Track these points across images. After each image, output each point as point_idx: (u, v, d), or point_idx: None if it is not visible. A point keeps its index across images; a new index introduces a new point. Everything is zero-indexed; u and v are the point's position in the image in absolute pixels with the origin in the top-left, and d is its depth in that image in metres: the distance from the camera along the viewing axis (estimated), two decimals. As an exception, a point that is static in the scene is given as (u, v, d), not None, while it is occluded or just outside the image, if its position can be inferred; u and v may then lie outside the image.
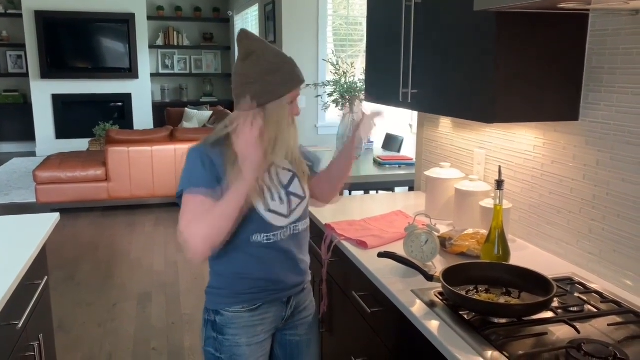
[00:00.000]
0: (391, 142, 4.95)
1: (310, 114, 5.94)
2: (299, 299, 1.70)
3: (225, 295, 1.59)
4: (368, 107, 1.65)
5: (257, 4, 7.22)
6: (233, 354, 1.59)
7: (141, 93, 9.27)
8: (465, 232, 1.85)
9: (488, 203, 1.93)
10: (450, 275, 1.47)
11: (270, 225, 1.55)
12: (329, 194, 1.83)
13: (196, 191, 1.47)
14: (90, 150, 7.04)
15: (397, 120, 5.85)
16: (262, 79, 1.48)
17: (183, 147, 5.75)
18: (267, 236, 1.56)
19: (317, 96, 5.23)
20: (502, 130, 2.07)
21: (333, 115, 5.66)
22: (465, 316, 1.38)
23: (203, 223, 1.42)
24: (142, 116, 9.31)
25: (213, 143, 1.53)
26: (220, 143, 1.53)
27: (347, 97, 4.14)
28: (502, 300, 1.44)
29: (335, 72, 4.24)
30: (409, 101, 2.05)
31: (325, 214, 2.28)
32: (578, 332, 1.30)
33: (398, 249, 1.77)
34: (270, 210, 1.55)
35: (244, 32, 1.54)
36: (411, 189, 3.64)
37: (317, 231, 2.18)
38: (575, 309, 1.43)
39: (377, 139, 5.12)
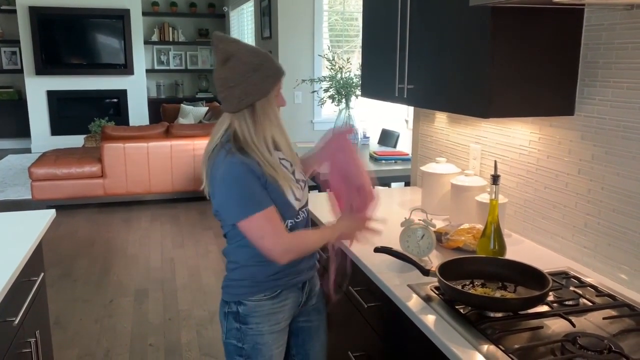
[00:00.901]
0: (387, 137, 4.96)
1: (306, 109, 5.94)
2: (312, 283, 1.77)
3: (247, 286, 1.63)
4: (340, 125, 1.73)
5: (252, 1, 7.20)
6: (256, 342, 1.63)
7: (137, 89, 9.25)
8: (461, 227, 1.86)
9: (484, 198, 1.94)
10: (447, 269, 1.48)
11: (295, 211, 1.63)
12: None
13: (268, 210, 1.53)
14: (86, 147, 7.02)
15: (392, 116, 5.85)
16: (246, 80, 1.51)
17: (179, 143, 5.75)
18: (292, 221, 1.62)
19: (313, 92, 5.22)
20: (498, 125, 2.07)
21: (329, 111, 5.66)
22: (462, 310, 1.38)
23: (301, 246, 1.60)
24: (138, 112, 9.29)
25: (241, 150, 1.53)
26: (244, 150, 1.54)
27: (343, 92, 4.14)
28: (498, 294, 1.45)
29: (331, 68, 4.23)
30: (405, 96, 2.05)
31: (322, 209, 2.28)
32: (573, 325, 1.31)
33: (393, 242, 1.77)
34: (297, 199, 1.63)
35: (217, 37, 1.56)
36: (407, 184, 3.65)
37: (314, 226, 2.17)
38: (570, 302, 1.44)
39: (373, 134, 5.13)
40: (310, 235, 1.66)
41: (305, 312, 1.78)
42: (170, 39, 9.72)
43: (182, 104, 8.72)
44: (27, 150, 9.12)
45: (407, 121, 5.66)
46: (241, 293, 1.64)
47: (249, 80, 1.51)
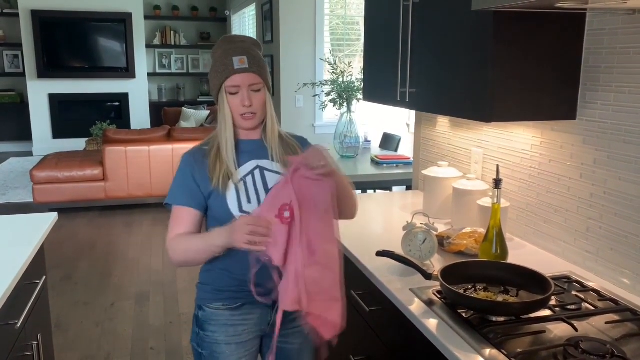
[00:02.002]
0: (388, 141, 4.96)
1: (307, 113, 5.95)
2: None
3: (209, 292, 1.62)
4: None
5: (254, 4, 7.21)
6: (213, 350, 1.62)
7: (138, 92, 9.26)
8: (463, 231, 1.86)
9: (486, 202, 1.94)
10: (449, 273, 1.48)
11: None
12: (343, 213, 1.61)
13: (177, 207, 1.56)
14: (88, 150, 7.03)
15: (394, 120, 5.86)
16: (208, 77, 1.59)
17: (181, 147, 5.75)
18: None
19: (315, 95, 5.23)
20: (500, 129, 2.08)
21: (330, 115, 5.67)
22: (464, 314, 1.38)
23: (181, 248, 1.53)
24: (139, 116, 9.30)
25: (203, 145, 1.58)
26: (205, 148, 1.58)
27: (345, 96, 4.15)
28: (500, 298, 1.44)
29: (333, 72, 4.24)
30: (407, 100, 2.05)
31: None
32: (576, 330, 1.30)
33: (395, 246, 1.77)
34: (242, 211, 1.53)
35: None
36: (408, 188, 3.65)
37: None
38: (572, 307, 1.43)
39: (374, 138, 5.13)
40: (193, 239, 1.53)
41: (283, 333, 1.59)
42: (172, 43, 9.74)
43: (183, 108, 8.73)
44: (29, 154, 9.13)
45: (408, 125, 5.67)
46: (204, 298, 1.63)
47: (209, 77, 1.59)
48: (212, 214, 1.58)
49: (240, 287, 1.57)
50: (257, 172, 1.58)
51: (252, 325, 1.63)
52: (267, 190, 1.56)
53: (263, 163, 1.60)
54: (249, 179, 1.57)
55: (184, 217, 1.55)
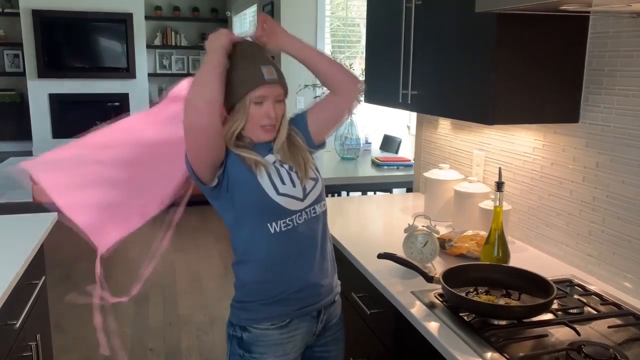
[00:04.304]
0: (389, 143, 4.96)
1: (308, 114, 5.93)
2: (329, 311, 1.60)
3: (253, 310, 1.51)
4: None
5: (255, 5, 7.21)
6: None
7: (138, 93, 9.25)
8: (465, 234, 1.85)
9: (487, 204, 1.93)
10: (450, 276, 1.47)
11: (285, 210, 1.47)
12: (330, 85, 1.60)
13: None
14: (87, 150, 7.01)
15: (394, 122, 5.85)
16: (229, 81, 1.45)
17: (180, 147, 5.73)
18: (284, 222, 1.47)
19: (316, 97, 5.22)
20: (502, 131, 2.07)
21: (331, 116, 5.65)
22: (465, 318, 1.38)
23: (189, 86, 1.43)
24: (140, 116, 9.28)
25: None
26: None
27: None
28: (502, 301, 1.44)
29: (334, 73, 4.23)
30: (409, 102, 2.05)
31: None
32: (578, 334, 1.30)
33: (396, 248, 1.77)
34: (281, 194, 1.47)
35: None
36: (409, 190, 3.64)
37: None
38: (575, 311, 1.43)
39: (375, 140, 5.13)
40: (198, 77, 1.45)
41: (323, 342, 1.62)
42: (173, 43, 9.73)
43: (183, 108, 8.71)
44: (29, 153, 9.11)
45: (408, 127, 5.67)
46: (246, 318, 1.52)
47: (230, 81, 1.46)
48: (245, 207, 1.48)
49: (284, 294, 1.50)
50: (277, 163, 1.52)
51: (299, 341, 1.55)
52: (296, 174, 1.51)
53: (279, 157, 1.53)
54: (276, 165, 1.51)
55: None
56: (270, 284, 1.51)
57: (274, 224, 1.48)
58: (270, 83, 1.46)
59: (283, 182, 1.49)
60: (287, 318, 1.51)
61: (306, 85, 4.79)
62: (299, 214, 1.50)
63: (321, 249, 1.57)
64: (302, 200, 1.51)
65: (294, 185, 1.50)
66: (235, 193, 1.48)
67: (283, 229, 1.48)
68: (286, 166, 1.52)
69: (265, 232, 1.48)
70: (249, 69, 1.46)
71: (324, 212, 1.59)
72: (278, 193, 1.47)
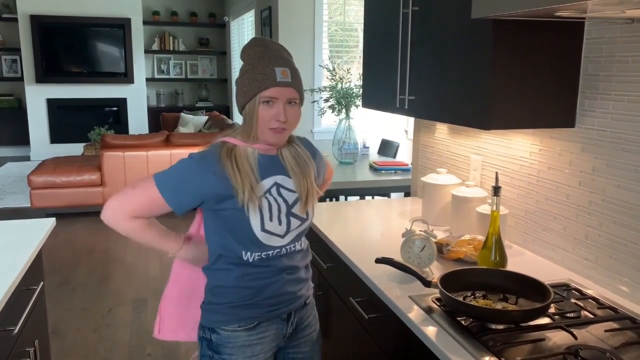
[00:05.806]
0: (387, 147, 4.97)
1: (306, 119, 5.95)
2: (301, 314, 1.62)
3: (222, 312, 1.52)
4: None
5: (253, 10, 7.23)
6: None
7: (136, 98, 9.26)
8: (462, 238, 1.86)
9: (484, 209, 1.94)
10: (448, 281, 1.48)
11: (263, 245, 1.48)
12: None
13: (160, 192, 1.42)
14: (85, 155, 7.02)
15: (392, 126, 5.87)
16: (238, 82, 1.48)
17: (179, 152, 5.74)
18: (259, 255, 1.49)
19: (314, 102, 5.23)
20: (499, 136, 2.08)
21: (329, 121, 5.67)
22: (463, 322, 1.38)
23: (137, 235, 1.52)
24: (138, 121, 9.30)
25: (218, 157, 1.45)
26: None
27: (343, 102, 4.16)
28: (499, 306, 1.44)
29: (332, 78, 4.25)
30: (406, 107, 2.06)
31: (322, 220, 2.28)
32: (575, 338, 1.30)
33: (394, 253, 1.77)
34: (264, 230, 1.47)
35: (248, 43, 1.52)
36: (407, 194, 3.65)
37: (314, 236, 2.18)
38: (572, 315, 1.43)
39: (373, 144, 5.13)
40: (153, 233, 1.53)
41: (295, 343, 1.64)
42: (171, 48, 9.75)
43: (182, 113, 8.73)
44: (27, 158, 9.11)
45: (406, 131, 5.68)
46: (214, 320, 1.52)
47: (240, 81, 1.47)
48: (227, 226, 1.47)
49: (255, 300, 1.51)
50: (274, 190, 1.49)
51: (268, 342, 1.55)
52: (288, 207, 1.50)
53: (279, 179, 1.51)
54: (269, 196, 1.48)
55: (156, 208, 1.45)
56: (240, 290, 1.51)
57: (248, 253, 1.49)
58: (282, 85, 1.44)
59: (271, 219, 1.48)
60: (255, 320, 1.52)
61: (304, 90, 4.82)
62: (278, 250, 1.52)
63: (297, 273, 1.59)
64: (282, 237, 1.51)
65: (279, 224, 1.49)
66: (220, 209, 1.46)
67: (256, 259, 1.50)
68: (280, 199, 1.50)
69: (239, 256, 1.49)
70: (260, 69, 1.44)
71: (305, 249, 1.62)
72: (262, 229, 1.47)
